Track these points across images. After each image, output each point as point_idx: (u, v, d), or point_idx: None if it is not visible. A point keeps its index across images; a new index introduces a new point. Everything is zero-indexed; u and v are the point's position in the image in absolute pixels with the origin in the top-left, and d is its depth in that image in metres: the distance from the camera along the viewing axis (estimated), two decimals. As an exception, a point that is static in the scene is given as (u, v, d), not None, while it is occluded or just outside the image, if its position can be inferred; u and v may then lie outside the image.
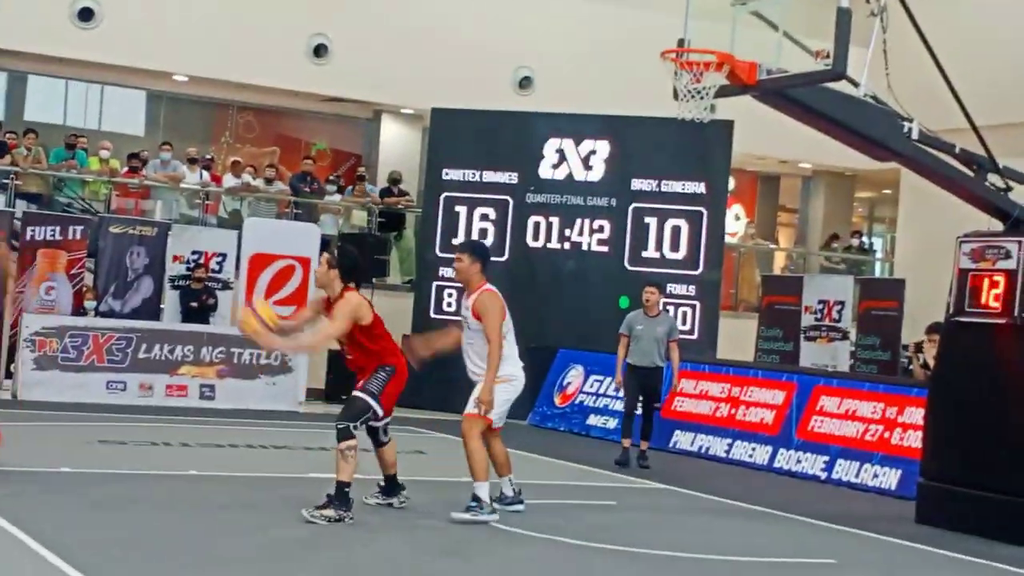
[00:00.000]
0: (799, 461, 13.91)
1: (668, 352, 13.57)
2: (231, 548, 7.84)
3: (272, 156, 23.08)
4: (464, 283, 9.53)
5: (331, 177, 21.73)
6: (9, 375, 16.24)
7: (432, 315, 18.66)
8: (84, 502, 9.03)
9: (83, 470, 10.47)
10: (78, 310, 16.97)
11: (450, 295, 18.68)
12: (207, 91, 22.22)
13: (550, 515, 9.78)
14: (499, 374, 9.20)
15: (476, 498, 9.10)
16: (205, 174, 20.59)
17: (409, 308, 19.20)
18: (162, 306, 17.55)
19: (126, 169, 20.02)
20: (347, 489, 8.73)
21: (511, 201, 18.95)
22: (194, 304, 17.40)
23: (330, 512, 8.68)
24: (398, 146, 23.18)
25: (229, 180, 20.74)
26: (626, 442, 13.64)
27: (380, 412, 9.06)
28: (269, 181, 20.94)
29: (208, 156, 21.65)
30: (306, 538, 8.18)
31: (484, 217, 18.99)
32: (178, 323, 17.19)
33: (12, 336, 16.21)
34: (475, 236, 18.69)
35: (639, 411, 13.71)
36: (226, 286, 17.76)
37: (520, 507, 9.54)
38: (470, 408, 9.24)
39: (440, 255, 18.89)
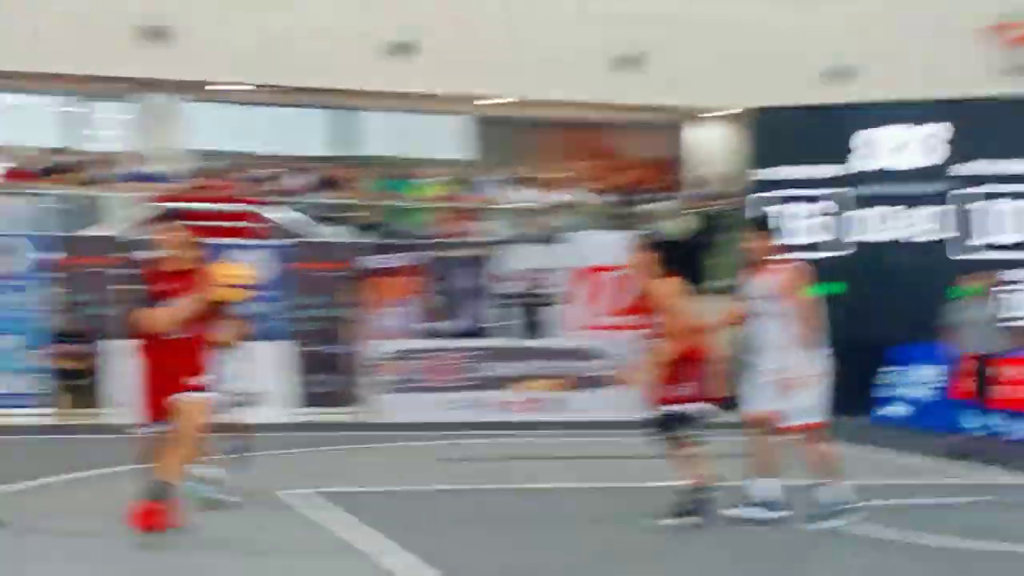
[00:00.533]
0: None
1: None
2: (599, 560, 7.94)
3: (593, 170, 23.37)
4: (756, 263, 8.86)
5: (650, 186, 21.81)
6: (362, 399, 17.01)
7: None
8: (453, 518, 9.26)
9: (446, 487, 10.81)
10: (421, 333, 17.63)
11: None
12: (528, 111, 22.74)
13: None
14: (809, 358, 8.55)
15: (833, 503, 8.67)
16: (530, 193, 21.03)
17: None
18: (499, 324, 18.02)
19: (454, 194, 20.69)
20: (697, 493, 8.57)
21: (839, 196, 18.49)
22: (530, 320, 17.80)
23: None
24: (715, 149, 23.09)
25: (553, 197, 21.12)
26: None
27: (686, 411, 8.60)
28: (592, 195, 21.20)
29: (531, 176, 22.12)
30: (652, 542, 8.20)
31: (811, 214, 18.61)
32: (518, 340, 17.60)
33: (361, 362, 17.00)
34: (805, 233, 18.37)
35: None
36: (558, 300, 18.08)
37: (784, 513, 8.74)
38: (797, 419, 8.58)
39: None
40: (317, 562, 7.58)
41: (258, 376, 15.68)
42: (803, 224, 18.59)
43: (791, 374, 8.50)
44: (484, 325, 18.00)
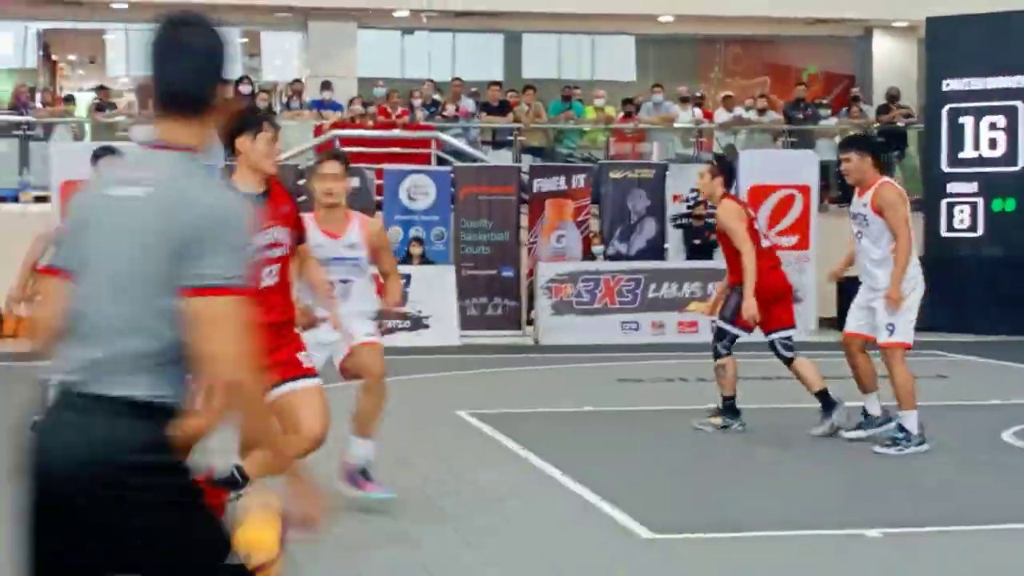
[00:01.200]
0: None
1: None
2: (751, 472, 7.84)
3: (763, 86, 22.85)
4: (857, 182, 8.76)
5: (824, 101, 21.21)
6: (530, 322, 17.05)
7: (944, 234, 17.83)
8: (608, 440, 9.32)
9: (605, 408, 10.82)
10: (587, 255, 17.54)
11: (961, 211, 17.77)
12: (693, 28, 22.31)
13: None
14: (906, 276, 8.52)
15: (902, 429, 8.53)
16: (697, 112, 20.68)
17: (919, 229, 18.44)
18: (666, 246, 17.82)
19: (621, 115, 20.46)
20: (730, 401, 9.42)
21: (1021, 107, 17.72)
22: (697, 241, 17.55)
23: (717, 420, 9.44)
24: (892, 62, 22.34)
25: (721, 115, 20.72)
26: None
27: (737, 333, 9.26)
28: (762, 112, 20.73)
29: (699, 94, 21.71)
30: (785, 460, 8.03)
31: (992, 126, 17.88)
32: (683, 261, 17.40)
33: (529, 285, 17.01)
34: (984, 147, 17.69)
35: None
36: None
37: (891, 425, 8.75)
38: (884, 337, 8.57)
39: (947, 170, 18.00)
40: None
41: (425, 300, 15.95)
42: (986, 136, 17.90)
43: (884, 293, 8.51)
44: (655, 247, 17.78)
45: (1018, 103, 17.70)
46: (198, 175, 3.02)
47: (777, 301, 9.29)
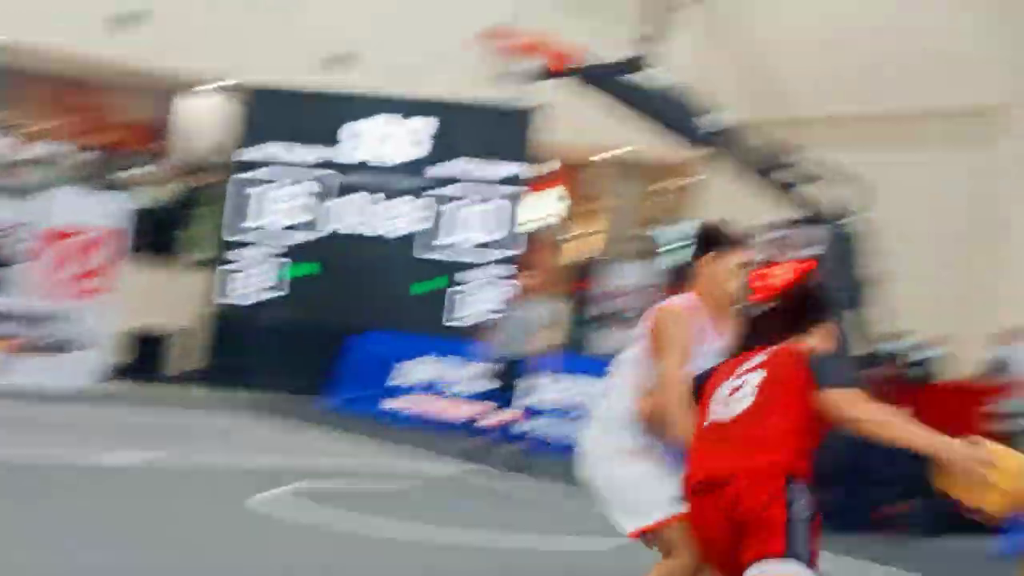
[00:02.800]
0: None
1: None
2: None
3: (76, 126, 22.35)
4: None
5: (135, 150, 21.16)
6: None
7: (238, 295, 18.40)
8: None
9: None
10: None
11: (255, 275, 18.44)
12: (8, 59, 21.39)
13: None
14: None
15: None
16: (6, 142, 19.84)
17: (213, 285, 18.91)
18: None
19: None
20: None
21: (323, 180, 18.77)
22: (-10, 276, 16.77)
23: None
24: (202, 122, 22.72)
25: (32, 149, 20.03)
26: (485, 437, 12.61)
27: None
28: (73, 151, 20.29)
29: (10, 124, 20.81)
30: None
31: (291, 196, 18.78)
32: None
33: None
34: (282, 215, 18.51)
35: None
36: (23, 258, 17.16)
37: None
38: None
39: (248, 235, 18.63)
40: None
41: None
42: (285, 205, 18.73)
43: None
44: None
45: (318, 177, 18.71)
46: None
47: None
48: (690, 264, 5.39)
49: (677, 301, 5.31)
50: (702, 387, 4.79)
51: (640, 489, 5.12)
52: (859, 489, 10.65)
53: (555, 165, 22.25)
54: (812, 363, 4.57)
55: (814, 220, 11.17)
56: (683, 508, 4.66)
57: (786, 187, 11.36)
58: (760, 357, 4.70)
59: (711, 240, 5.38)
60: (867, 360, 11.64)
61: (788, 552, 4.34)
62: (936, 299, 19.04)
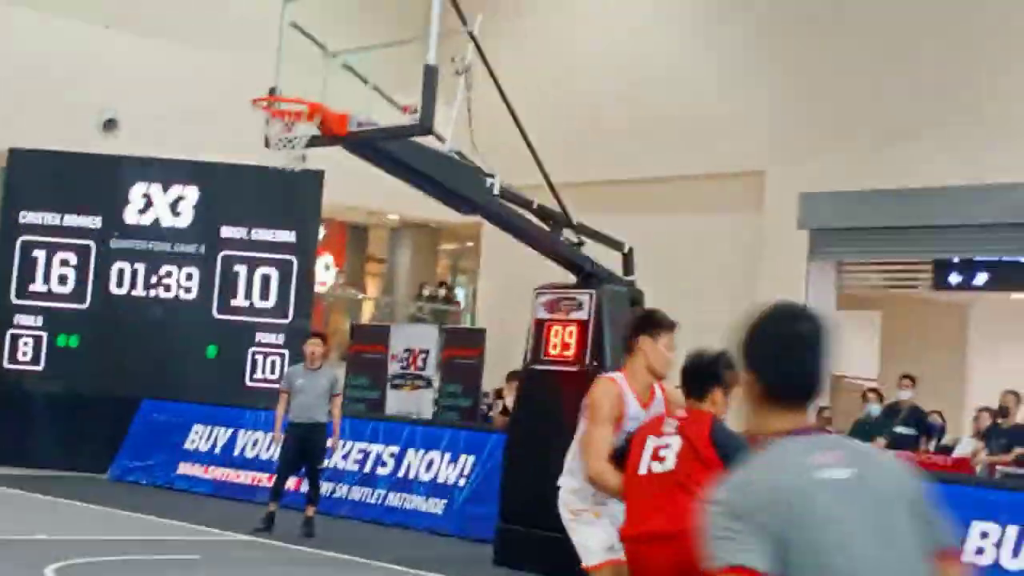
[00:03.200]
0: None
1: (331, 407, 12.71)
2: None
3: None
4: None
5: None
6: None
7: (7, 366, 17.75)
8: None
9: None
10: None
11: (25, 344, 17.81)
12: None
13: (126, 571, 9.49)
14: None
15: None
16: None
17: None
18: None
19: None
20: None
21: (94, 246, 18.31)
22: None
23: None
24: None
25: None
26: (273, 506, 12.54)
27: None
28: None
29: None
30: None
31: (65, 263, 18.25)
32: None
33: None
34: (55, 282, 17.98)
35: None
36: None
37: None
38: None
39: (16, 302, 18.01)
40: None
41: None
42: (57, 272, 18.20)
43: None
44: None
45: (91, 242, 18.27)
46: None
47: None
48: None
49: (611, 375, 6.37)
50: (630, 445, 5.75)
51: (581, 535, 6.23)
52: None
53: (322, 231, 22.19)
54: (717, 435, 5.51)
55: (591, 281, 11.40)
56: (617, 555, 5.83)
57: (563, 249, 11.58)
58: (674, 422, 5.66)
59: (647, 323, 6.36)
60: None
61: None
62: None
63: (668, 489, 5.40)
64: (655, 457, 5.53)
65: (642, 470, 5.57)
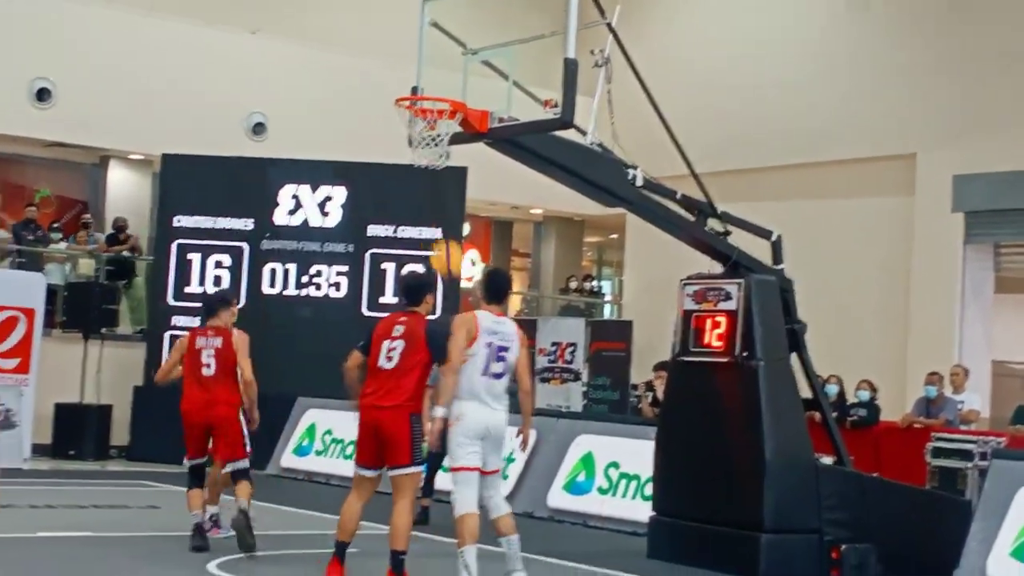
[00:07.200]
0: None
1: None
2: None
3: (-5, 204, 22.12)
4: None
5: (55, 224, 20.98)
6: None
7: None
8: None
9: None
10: None
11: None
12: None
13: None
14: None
15: None
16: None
17: (140, 359, 18.72)
18: None
19: None
20: None
21: (246, 248, 18.71)
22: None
23: None
24: (126, 192, 22.58)
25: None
26: (426, 500, 12.80)
27: None
28: (-9, 230, 20.09)
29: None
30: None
31: (218, 264, 18.69)
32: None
33: None
34: (210, 284, 18.40)
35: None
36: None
37: None
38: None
39: (173, 303, 18.50)
40: None
41: None
42: (212, 274, 18.64)
43: None
44: None
45: (243, 244, 18.67)
46: None
47: None
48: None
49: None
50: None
51: None
52: (813, 535, 10.74)
53: (467, 227, 22.34)
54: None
55: (739, 271, 11.25)
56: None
57: (709, 240, 11.45)
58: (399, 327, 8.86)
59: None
60: (811, 404, 11.76)
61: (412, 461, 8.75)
62: (861, 343, 19.30)
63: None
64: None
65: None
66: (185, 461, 10.29)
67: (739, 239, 11.61)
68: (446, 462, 10.95)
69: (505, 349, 8.59)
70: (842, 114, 20.68)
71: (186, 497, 10.25)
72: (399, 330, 8.74)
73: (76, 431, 18.30)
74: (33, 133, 20.81)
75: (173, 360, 10.56)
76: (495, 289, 8.89)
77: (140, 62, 20.73)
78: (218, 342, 10.24)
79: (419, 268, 18.47)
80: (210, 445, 10.27)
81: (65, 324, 18.91)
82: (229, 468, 10.15)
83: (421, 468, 8.85)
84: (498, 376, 8.57)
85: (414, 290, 9.04)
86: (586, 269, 28.78)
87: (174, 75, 20.86)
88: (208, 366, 10.18)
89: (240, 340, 10.28)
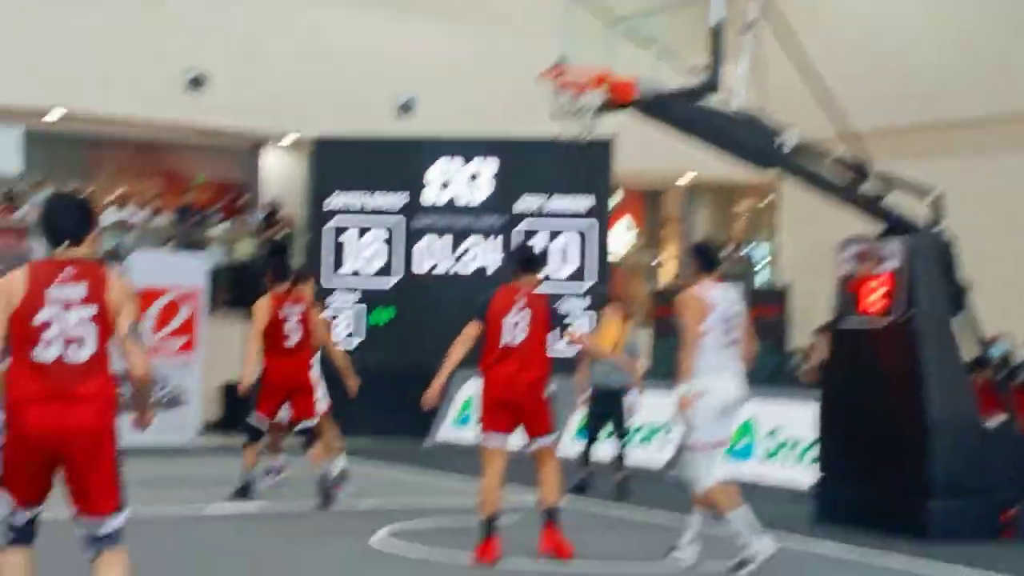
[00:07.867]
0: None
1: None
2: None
3: (154, 189, 22.73)
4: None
5: (214, 208, 21.49)
6: None
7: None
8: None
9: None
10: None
11: (339, 323, 18.57)
12: (83, 127, 21.81)
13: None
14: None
15: None
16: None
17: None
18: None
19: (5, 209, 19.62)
20: None
21: (398, 225, 18.92)
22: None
23: None
24: (280, 174, 22.99)
25: (110, 215, 20.41)
26: (583, 471, 12.84)
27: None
28: (151, 215, 20.65)
29: (87, 192, 21.19)
30: None
31: (372, 241, 18.95)
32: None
33: None
34: (363, 262, 18.67)
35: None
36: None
37: None
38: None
39: (329, 284, 18.81)
40: None
41: None
42: (364, 252, 18.90)
43: None
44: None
45: (396, 221, 18.88)
46: None
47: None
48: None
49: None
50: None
51: None
52: (982, 498, 10.51)
53: (620, 195, 22.21)
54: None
55: (899, 231, 10.99)
56: None
57: (866, 201, 11.20)
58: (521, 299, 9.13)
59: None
60: (976, 363, 11.54)
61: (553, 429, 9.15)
62: (1016, 303, 18.71)
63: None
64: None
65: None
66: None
67: (897, 199, 11.33)
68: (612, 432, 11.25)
69: (736, 315, 8.71)
70: (1006, 67, 19.99)
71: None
72: (521, 302, 8.94)
73: (244, 409, 18.69)
74: (189, 120, 21.30)
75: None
76: (709, 259, 8.96)
77: (290, 47, 21.06)
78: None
79: (571, 239, 18.52)
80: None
81: (226, 304, 19.36)
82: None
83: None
84: (735, 343, 8.66)
85: (533, 261, 9.29)
86: (739, 235, 28.39)
87: (324, 58, 21.13)
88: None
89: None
